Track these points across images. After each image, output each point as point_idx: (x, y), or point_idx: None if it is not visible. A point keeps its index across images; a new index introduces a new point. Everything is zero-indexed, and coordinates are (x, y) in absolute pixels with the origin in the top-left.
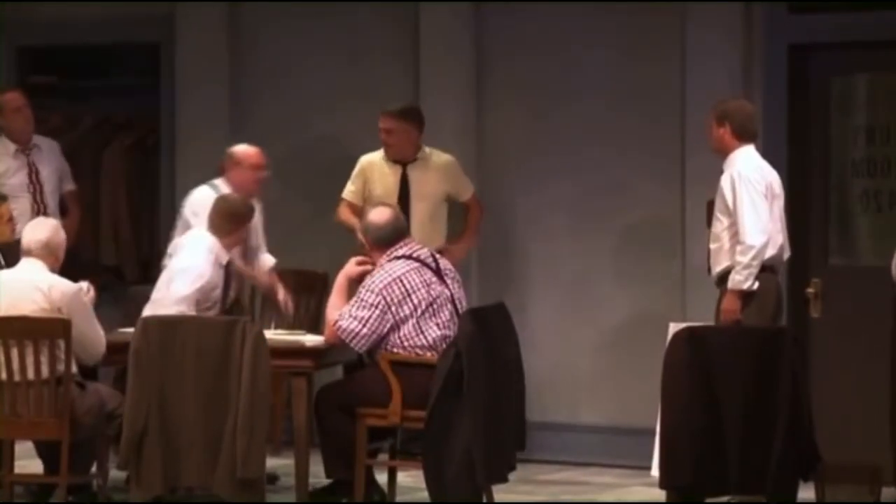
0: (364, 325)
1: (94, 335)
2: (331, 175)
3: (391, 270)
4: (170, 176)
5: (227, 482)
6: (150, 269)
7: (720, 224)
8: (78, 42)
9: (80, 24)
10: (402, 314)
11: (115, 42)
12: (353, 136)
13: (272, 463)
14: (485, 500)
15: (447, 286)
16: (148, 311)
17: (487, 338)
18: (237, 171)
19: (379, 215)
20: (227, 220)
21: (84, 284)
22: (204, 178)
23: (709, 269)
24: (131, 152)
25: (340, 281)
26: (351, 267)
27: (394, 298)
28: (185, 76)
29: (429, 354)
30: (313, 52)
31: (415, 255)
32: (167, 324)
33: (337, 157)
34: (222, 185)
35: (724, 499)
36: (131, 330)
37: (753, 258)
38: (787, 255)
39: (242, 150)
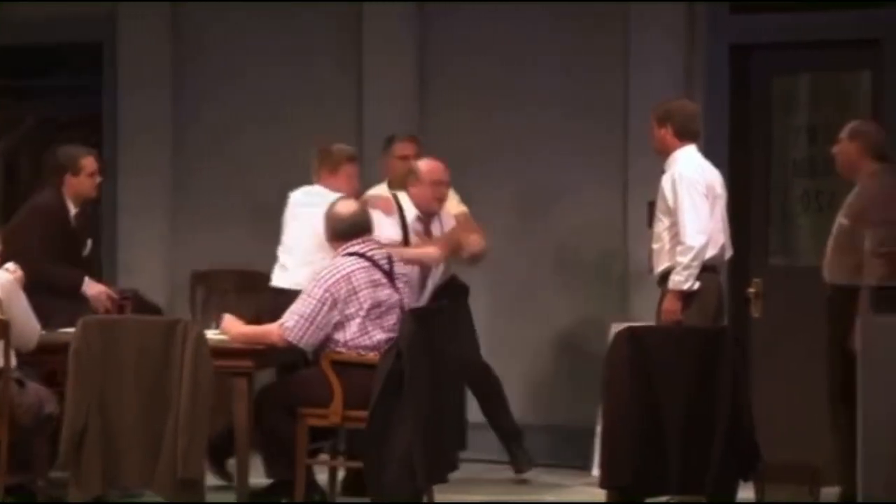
0: (311, 323)
1: (30, 322)
2: (273, 174)
3: (340, 266)
4: (112, 176)
5: (168, 482)
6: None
7: (661, 224)
8: (19, 42)
9: (21, 23)
10: (347, 311)
11: (57, 42)
12: (297, 135)
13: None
14: (425, 501)
15: (397, 291)
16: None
17: (429, 338)
18: (418, 187)
19: (344, 207)
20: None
21: (10, 265)
22: (146, 179)
23: (650, 269)
24: None
25: (235, 328)
26: (229, 324)
27: (341, 295)
28: (127, 76)
29: (371, 355)
30: (256, 52)
31: (368, 254)
32: (107, 324)
33: (280, 158)
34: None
35: (664, 498)
36: (71, 330)
37: (693, 259)
38: (728, 254)
39: (425, 165)
